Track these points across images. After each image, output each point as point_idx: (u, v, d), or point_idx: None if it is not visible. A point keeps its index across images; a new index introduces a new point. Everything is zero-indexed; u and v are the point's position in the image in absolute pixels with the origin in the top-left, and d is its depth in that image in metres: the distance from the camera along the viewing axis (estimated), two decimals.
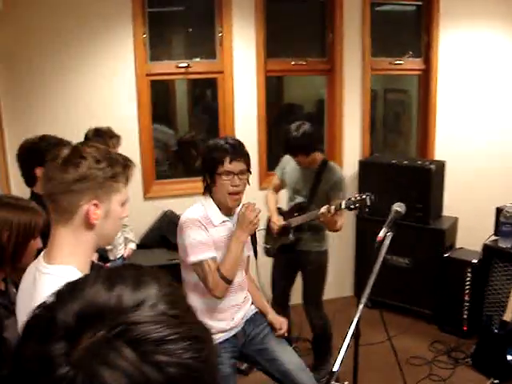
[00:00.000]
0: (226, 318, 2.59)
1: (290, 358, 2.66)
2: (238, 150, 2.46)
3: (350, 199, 3.14)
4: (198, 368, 0.70)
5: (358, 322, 2.10)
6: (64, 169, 1.36)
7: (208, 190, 2.56)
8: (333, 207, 3.17)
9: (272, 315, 2.80)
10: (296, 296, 4.06)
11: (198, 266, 2.43)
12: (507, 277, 4.12)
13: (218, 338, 2.53)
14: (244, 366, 3.83)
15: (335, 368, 1.72)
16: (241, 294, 2.66)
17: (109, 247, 3.56)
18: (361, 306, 1.95)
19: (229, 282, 2.44)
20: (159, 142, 5.13)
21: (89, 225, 1.40)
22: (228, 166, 2.42)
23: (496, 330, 3.85)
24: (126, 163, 1.48)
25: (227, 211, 2.56)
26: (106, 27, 4.23)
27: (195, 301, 2.50)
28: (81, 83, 4.23)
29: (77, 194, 1.37)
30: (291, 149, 3.49)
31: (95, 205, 1.39)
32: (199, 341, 0.72)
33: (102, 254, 3.25)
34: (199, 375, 0.70)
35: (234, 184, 2.43)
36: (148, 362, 0.64)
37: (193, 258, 2.42)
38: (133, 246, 3.91)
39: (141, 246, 4.27)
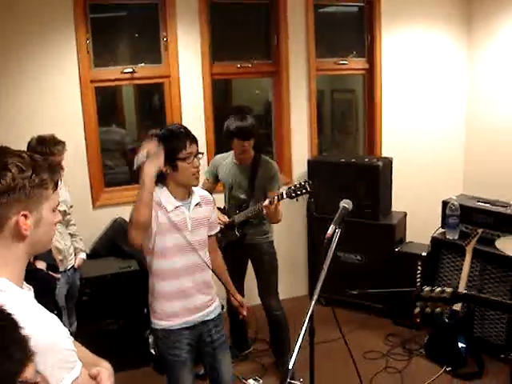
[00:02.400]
0: (191, 299, 2.71)
1: (228, 371, 2.87)
2: (191, 133, 2.63)
3: (290, 188, 3.25)
4: None
5: (311, 319, 2.11)
6: None
7: (160, 180, 2.63)
8: (275, 198, 3.29)
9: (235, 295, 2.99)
10: (248, 297, 4.07)
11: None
12: (455, 268, 4.24)
13: (183, 322, 2.69)
14: (202, 372, 3.81)
15: (290, 365, 1.73)
16: (199, 275, 2.72)
17: (59, 257, 3.49)
18: (312, 303, 1.96)
19: (141, 226, 2.50)
20: (116, 144, 5.06)
21: (20, 236, 1.34)
22: (189, 148, 2.57)
23: (447, 320, 3.96)
24: (53, 168, 1.42)
25: (182, 198, 2.66)
26: (47, 34, 4.14)
27: (158, 286, 2.68)
28: (23, 91, 4.13)
29: (4, 207, 1.31)
30: (247, 133, 3.57)
31: (24, 215, 1.33)
32: None
33: (53, 264, 3.18)
34: None
35: (195, 165, 2.60)
36: None
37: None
38: (83, 255, 3.84)
39: (92, 255, 4.21)
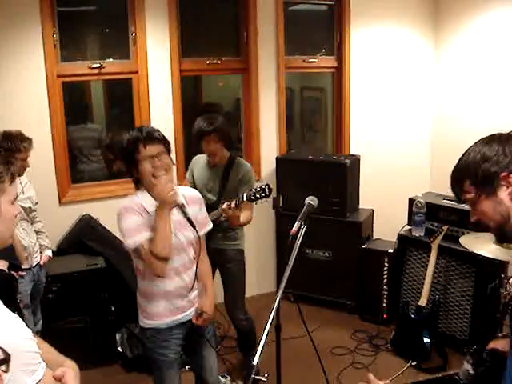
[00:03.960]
0: (175, 300, 2.64)
1: (213, 368, 2.87)
2: (150, 135, 2.50)
3: (250, 191, 3.22)
4: None
5: (277, 314, 2.12)
6: None
7: (139, 183, 2.59)
8: (233, 202, 3.24)
9: (205, 299, 2.77)
10: (218, 296, 4.07)
11: (135, 250, 2.51)
12: (421, 264, 4.31)
13: (170, 321, 2.63)
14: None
15: (254, 361, 1.74)
16: (185, 275, 2.66)
17: (25, 254, 3.44)
18: (277, 299, 1.98)
19: (164, 259, 2.49)
20: (92, 141, 5.00)
21: None
22: (144, 151, 2.46)
23: (412, 315, 4.02)
24: (8, 159, 1.39)
25: None
26: (12, 27, 4.06)
27: (145, 285, 2.62)
28: None
29: None
30: (202, 132, 3.50)
31: None
32: None
33: (14, 263, 3.13)
34: None
35: (154, 165, 2.47)
36: None
37: (129, 241, 2.49)
38: (49, 252, 3.79)
39: (58, 252, 4.16)
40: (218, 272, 3.87)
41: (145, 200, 2.55)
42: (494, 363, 1.55)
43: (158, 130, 2.59)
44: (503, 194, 1.43)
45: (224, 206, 3.27)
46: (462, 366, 1.70)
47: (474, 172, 1.46)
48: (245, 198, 3.22)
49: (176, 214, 2.59)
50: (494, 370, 1.45)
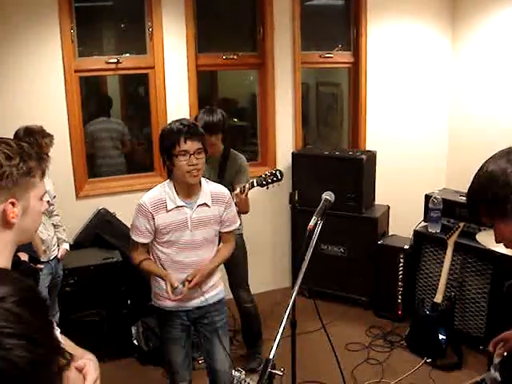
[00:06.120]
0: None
1: (222, 359, 2.91)
2: (192, 130, 2.57)
3: (260, 177, 3.30)
4: (23, 368, 0.76)
5: (292, 309, 2.13)
6: None
7: (170, 174, 2.70)
8: (246, 187, 3.31)
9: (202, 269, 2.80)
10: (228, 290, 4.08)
11: (130, 241, 2.78)
12: (437, 261, 4.29)
13: (174, 306, 2.75)
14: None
15: (271, 355, 1.75)
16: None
17: (43, 248, 3.47)
18: (294, 294, 1.98)
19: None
20: (118, 133, 5.06)
21: (7, 224, 1.33)
22: (183, 145, 2.54)
23: (428, 312, 4.01)
24: (40, 156, 1.41)
25: (186, 196, 2.67)
26: (31, 22, 4.09)
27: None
28: (5, 80, 4.09)
29: None
30: (212, 127, 3.54)
31: (12, 203, 1.32)
32: (35, 343, 0.79)
33: (33, 256, 3.16)
34: (22, 375, 0.76)
35: (191, 163, 2.55)
36: None
37: (131, 234, 2.76)
38: (66, 246, 3.82)
39: (75, 245, 4.20)
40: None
41: (168, 195, 2.65)
42: None
43: (197, 126, 2.71)
44: None
45: (237, 191, 3.34)
46: (488, 373, 1.64)
47: (485, 195, 1.38)
48: (255, 184, 3.30)
49: (199, 212, 2.68)
50: None
